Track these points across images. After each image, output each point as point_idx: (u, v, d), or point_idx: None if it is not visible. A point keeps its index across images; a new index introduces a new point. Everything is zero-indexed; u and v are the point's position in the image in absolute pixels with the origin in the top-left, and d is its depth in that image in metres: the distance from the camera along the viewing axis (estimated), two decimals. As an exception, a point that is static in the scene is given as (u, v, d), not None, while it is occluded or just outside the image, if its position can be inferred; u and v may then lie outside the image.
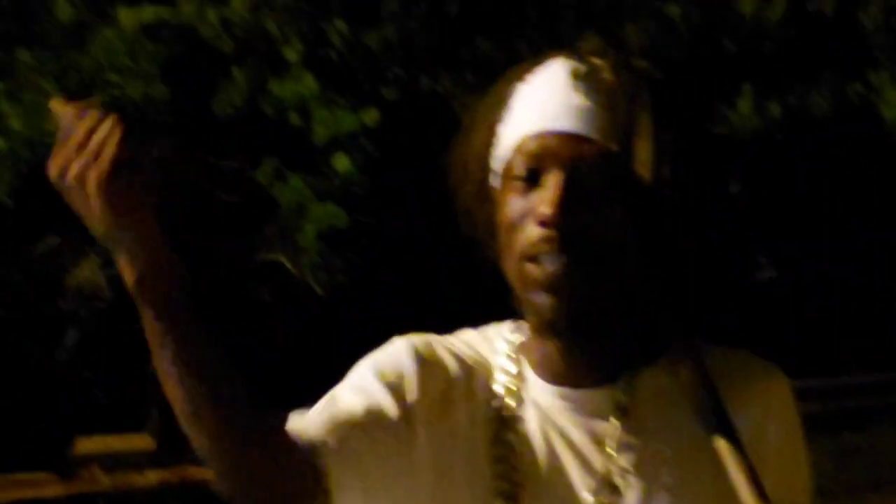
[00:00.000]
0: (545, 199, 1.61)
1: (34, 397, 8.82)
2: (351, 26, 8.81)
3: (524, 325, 1.74)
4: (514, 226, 1.64)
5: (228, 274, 8.69)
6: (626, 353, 1.70)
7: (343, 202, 8.21)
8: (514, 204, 1.65)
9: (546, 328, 1.65)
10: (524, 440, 1.69)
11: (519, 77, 1.72)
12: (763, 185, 8.65)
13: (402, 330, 1.74)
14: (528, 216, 1.63)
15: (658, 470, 1.67)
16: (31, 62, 8.45)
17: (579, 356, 1.68)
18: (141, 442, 8.15)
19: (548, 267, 1.60)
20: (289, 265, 8.49)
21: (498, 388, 1.71)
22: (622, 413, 1.68)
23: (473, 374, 1.72)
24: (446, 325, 1.80)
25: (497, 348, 1.75)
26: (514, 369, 1.72)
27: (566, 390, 1.69)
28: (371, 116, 8.39)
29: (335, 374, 1.72)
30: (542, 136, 1.65)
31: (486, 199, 1.72)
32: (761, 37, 9.04)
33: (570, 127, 1.64)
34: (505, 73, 1.76)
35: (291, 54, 8.49)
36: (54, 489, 7.77)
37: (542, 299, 1.62)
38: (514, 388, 1.71)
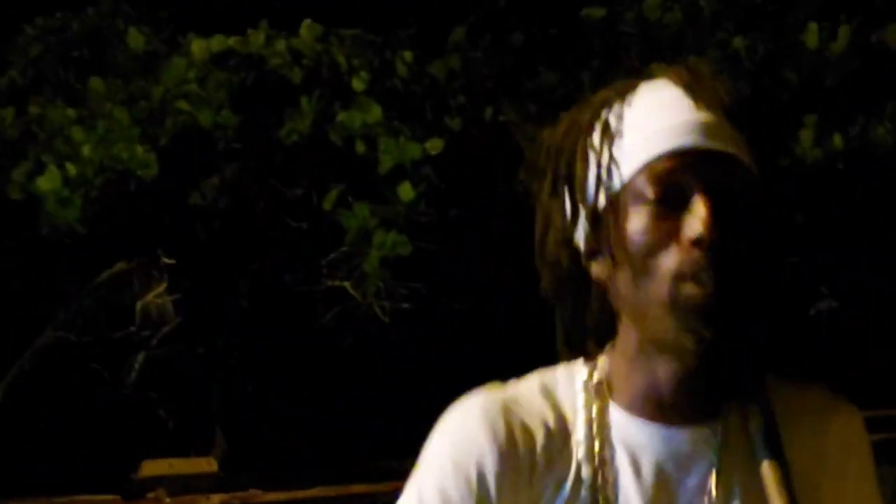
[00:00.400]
0: (697, 218, 1.55)
1: (102, 420, 8.88)
2: (416, 57, 8.84)
3: (599, 361, 1.67)
4: (657, 248, 1.57)
5: (295, 299, 8.73)
6: (726, 385, 1.63)
7: (407, 230, 8.24)
8: (650, 226, 1.58)
9: (685, 352, 1.57)
10: (626, 496, 1.61)
11: (608, 101, 1.65)
12: (826, 216, 8.62)
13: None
14: (672, 237, 1.57)
15: None
16: (102, 90, 8.53)
17: (692, 388, 1.61)
18: (206, 465, 8.18)
19: (702, 287, 1.55)
20: (353, 292, 8.53)
21: (580, 440, 1.63)
22: (722, 450, 1.62)
23: (555, 434, 1.64)
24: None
25: (577, 387, 1.67)
26: (595, 409, 1.64)
27: (666, 430, 1.62)
28: (435, 146, 8.41)
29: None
30: (673, 155, 1.59)
31: (596, 224, 1.63)
32: (824, 69, 9.01)
33: (703, 143, 1.58)
34: (575, 102, 1.70)
35: (358, 84, 8.53)
36: (120, 511, 7.83)
37: (692, 320, 1.55)
38: (603, 437, 1.63)
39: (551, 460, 1.62)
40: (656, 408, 1.62)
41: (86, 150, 8.19)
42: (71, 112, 8.44)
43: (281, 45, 8.60)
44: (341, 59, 8.62)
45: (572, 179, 1.66)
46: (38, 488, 8.23)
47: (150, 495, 7.82)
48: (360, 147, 8.41)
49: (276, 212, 8.58)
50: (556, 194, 1.67)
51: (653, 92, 1.64)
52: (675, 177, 1.58)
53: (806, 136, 8.62)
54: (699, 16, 9.24)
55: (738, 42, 9.02)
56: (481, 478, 1.62)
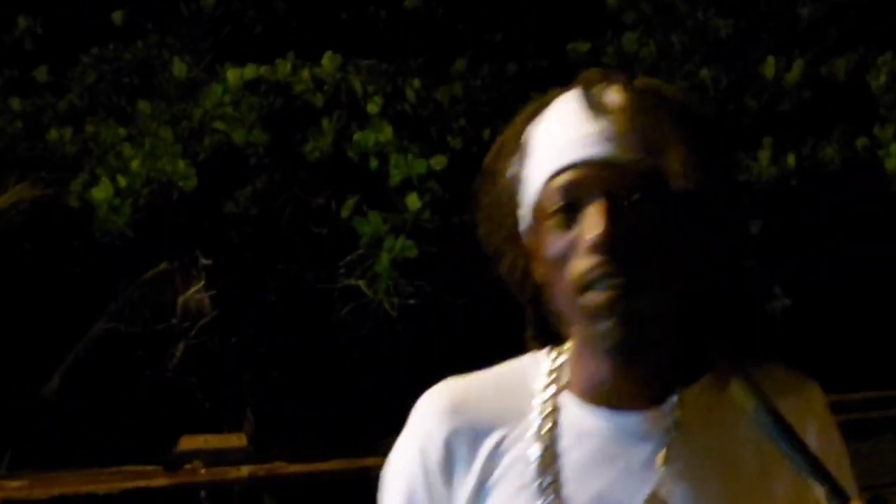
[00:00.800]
0: (591, 225, 1.43)
1: (146, 400, 8.86)
2: (423, 84, 8.83)
3: (564, 348, 1.57)
4: (561, 260, 1.46)
5: (316, 296, 8.71)
6: (675, 371, 1.51)
7: (414, 236, 8.22)
8: (555, 239, 1.47)
9: (607, 353, 1.47)
10: (570, 475, 1.49)
11: (529, 118, 1.55)
12: (779, 225, 8.61)
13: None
14: (574, 247, 1.45)
15: (708, 487, 1.47)
16: (149, 111, 8.52)
17: (633, 378, 1.49)
18: (237, 440, 8.16)
19: (604, 292, 1.42)
20: (366, 290, 8.51)
21: (535, 426, 1.51)
22: (671, 433, 1.48)
23: (507, 420, 1.53)
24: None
25: (540, 372, 1.56)
26: (553, 391, 1.53)
27: (614, 414, 1.50)
28: (439, 162, 8.41)
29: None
30: (570, 168, 1.46)
31: (518, 243, 1.55)
32: (780, 97, 9.00)
33: (596, 153, 1.45)
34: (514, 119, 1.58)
35: (372, 108, 8.52)
36: (160, 480, 7.80)
37: (603, 325, 1.44)
38: (554, 419, 1.51)
39: (501, 444, 1.51)
40: (604, 394, 1.51)
41: (134, 165, 8.18)
42: (122, 131, 8.44)
43: (305, 73, 8.60)
44: (358, 86, 8.62)
45: (500, 200, 1.56)
46: (89, 460, 8.22)
47: (188, 466, 7.81)
48: (374, 163, 8.40)
49: (300, 219, 8.56)
50: (490, 216, 1.57)
51: (560, 104, 1.52)
52: (573, 188, 1.46)
53: (763, 155, 8.62)
54: (671, 50, 9.23)
55: (704, 73, 9.02)
56: (428, 473, 1.55)
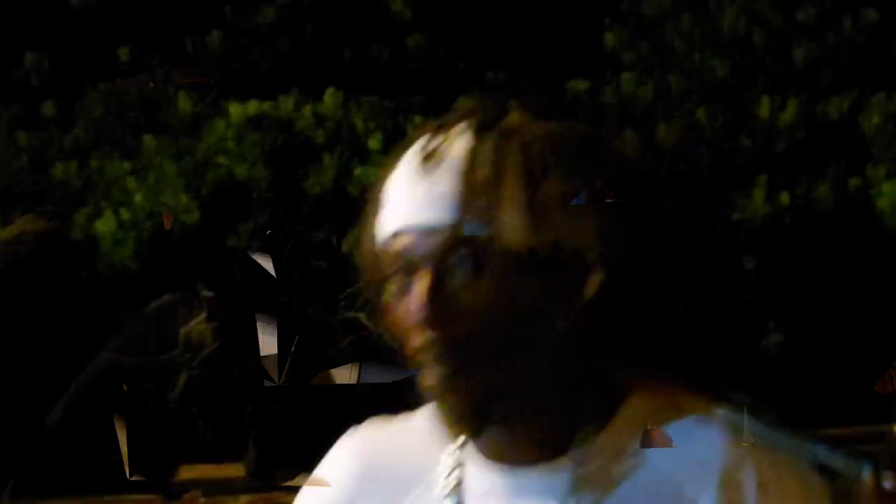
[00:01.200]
0: (414, 300, 1.27)
1: (147, 429, 8.86)
2: (425, 120, 8.86)
3: None
4: (402, 326, 1.30)
5: (317, 328, 8.73)
6: (573, 420, 1.33)
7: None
8: (395, 303, 1.31)
9: (459, 430, 1.31)
10: None
11: (391, 166, 1.35)
12: (774, 262, 8.63)
13: None
14: (408, 317, 1.29)
15: None
16: (154, 146, 8.55)
17: (516, 438, 1.33)
18: (236, 470, 8.16)
19: (434, 373, 1.27)
20: (367, 322, 8.52)
21: (441, 483, 1.36)
22: (576, 485, 1.32)
23: (414, 474, 1.38)
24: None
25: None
26: (458, 453, 1.36)
27: (512, 470, 1.34)
28: (439, 198, 8.43)
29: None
30: (400, 235, 1.30)
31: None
32: (775, 136, 9.04)
33: (423, 219, 1.29)
34: None
35: (374, 143, 8.55)
36: (160, 509, 7.80)
37: (442, 405, 1.28)
38: (459, 477, 1.36)
39: (408, 495, 1.38)
40: (498, 451, 1.35)
41: (138, 198, 8.21)
42: (126, 165, 8.47)
43: (307, 109, 8.63)
44: (359, 122, 8.65)
45: (365, 250, 1.37)
46: (90, 487, 8.22)
47: (187, 495, 7.80)
48: (375, 198, 8.42)
49: (302, 252, 8.59)
50: (366, 267, 1.38)
51: (407, 156, 1.32)
52: (404, 254, 1.30)
53: (758, 194, 8.64)
54: (668, 90, 9.28)
55: (700, 113, 9.06)
56: None
